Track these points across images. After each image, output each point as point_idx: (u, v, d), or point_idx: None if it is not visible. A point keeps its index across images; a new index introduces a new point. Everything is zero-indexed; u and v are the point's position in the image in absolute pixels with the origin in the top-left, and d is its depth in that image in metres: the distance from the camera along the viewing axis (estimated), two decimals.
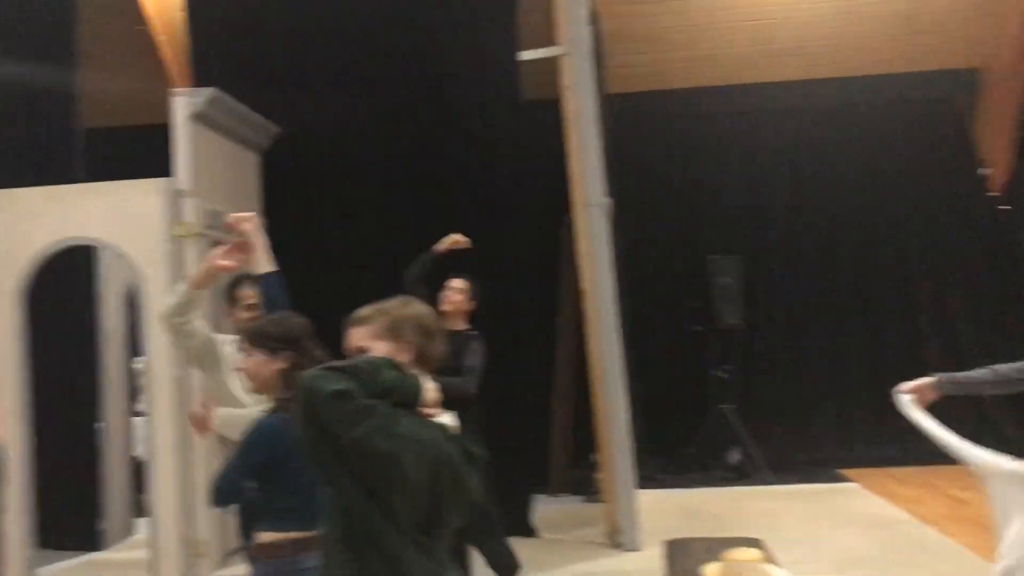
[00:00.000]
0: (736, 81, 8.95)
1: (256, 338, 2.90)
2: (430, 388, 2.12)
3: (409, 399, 2.02)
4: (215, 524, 5.48)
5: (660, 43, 8.68)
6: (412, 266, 4.76)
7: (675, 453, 8.72)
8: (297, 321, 2.96)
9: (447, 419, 2.17)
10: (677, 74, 8.88)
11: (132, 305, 5.87)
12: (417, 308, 2.26)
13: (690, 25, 8.77)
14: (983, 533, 5.90)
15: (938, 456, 8.80)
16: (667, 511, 7.06)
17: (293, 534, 2.82)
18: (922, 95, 8.94)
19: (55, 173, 6.26)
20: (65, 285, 6.28)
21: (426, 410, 2.09)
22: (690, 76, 8.91)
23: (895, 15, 8.55)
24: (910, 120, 8.98)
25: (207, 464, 5.52)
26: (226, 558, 4.10)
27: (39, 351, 5.62)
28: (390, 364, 2.02)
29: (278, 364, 2.83)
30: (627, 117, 8.36)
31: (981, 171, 8.89)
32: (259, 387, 2.91)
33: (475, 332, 4.65)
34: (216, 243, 5.67)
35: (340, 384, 1.86)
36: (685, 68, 8.85)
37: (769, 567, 3.56)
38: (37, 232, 5.67)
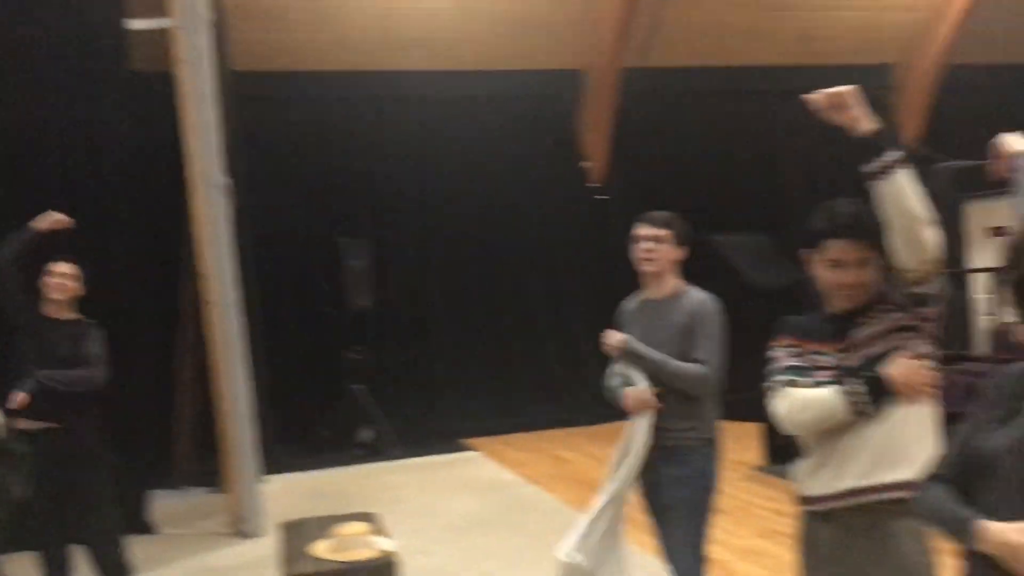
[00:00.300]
0: (364, 67, 9.11)
1: None
2: None
3: None
4: None
5: (286, 23, 8.60)
6: (2, 246, 4.31)
7: (308, 436, 8.75)
8: None
9: None
10: (305, 55, 8.86)
11: None
12: None
13: (317, 7, 8.77)
14: (579, 488, 6.63)
15: (547, 422, 9.64)
16: (296, 495, 7.09)
17: None
18: (533, 92, 9.69)
19: None
20: None
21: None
22: (319, 59, 8.92)
23: (509, 14, 9.18)
24: (523, 115, 9.69)
25: None
26: None
27: None
28: None
29: None
30: (253, 96, 8.19)
31: (582, 164, 9.83)
32: None
33: (92, 320, 4.35)
34: None
35: None
36: (313, 50, 8.85)
37: (375, 538, 3.73)
38: None
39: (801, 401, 2.36)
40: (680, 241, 3.42)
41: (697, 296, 3.40)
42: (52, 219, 4.44)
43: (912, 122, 10.26)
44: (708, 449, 3.41)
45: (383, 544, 3.69)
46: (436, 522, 6.18)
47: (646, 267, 3.43)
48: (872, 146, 2.25)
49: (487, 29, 9.20)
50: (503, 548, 5.56)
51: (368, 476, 7.85)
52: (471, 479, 7.58)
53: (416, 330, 9.45)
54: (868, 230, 2.30)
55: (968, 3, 9.76)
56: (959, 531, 1.76)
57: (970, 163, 5.47)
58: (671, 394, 3.35)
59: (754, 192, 9.45)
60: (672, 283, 3.44)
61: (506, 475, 7.65)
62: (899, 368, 2.28)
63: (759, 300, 6.98)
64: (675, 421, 3.36)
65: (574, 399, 9.46)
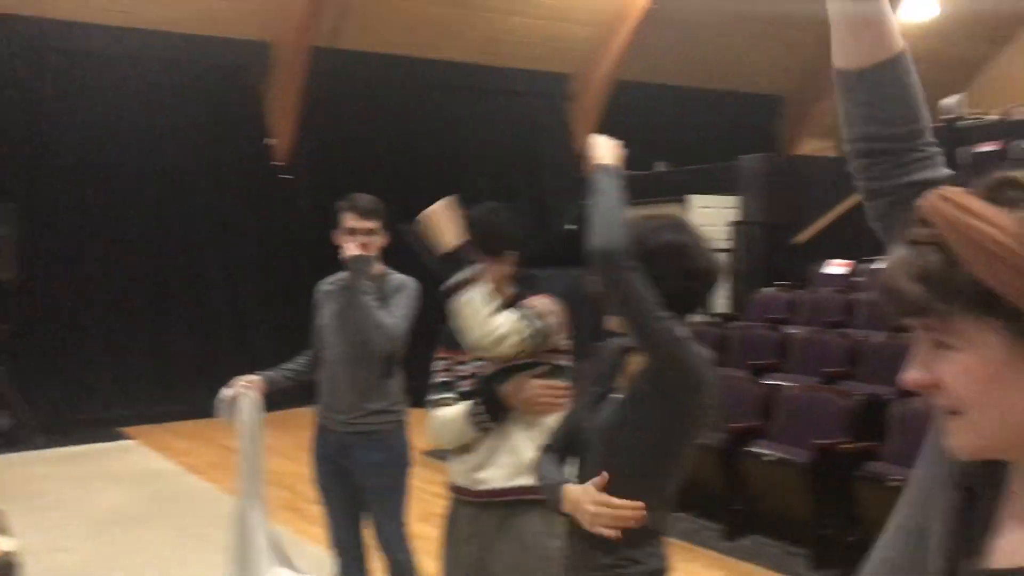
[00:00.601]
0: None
1: None
2: None
3: None
4: None
5: None
6: None
7: None
8: None
9: None
10: None
11: None
12: None
13: None
14: None
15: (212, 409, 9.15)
16: None
17: None
18: (216, 61, 9.16)
19: None
20: None
21: None
22: None
23: None
24: (204, 83, 9.13)
25: None
26: None
27: None
28: None
29: None
30: None
31: (267, 141, 9.47)
32: None
33: None
34: None
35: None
36: None
37: None
38: None
39: (439, 422, 2.51)
40: (386, 228, 3.37)
41: (398, 277, 3.41)
42: None
43: (583, 133, 10.99)
44: (402, 431, 3.44)
45: (2, 544, 3.28)
46: (79, 516, 5.66)
47: (355, 254, 3.28)
48: (453, 262, 2.36)
49: None
50: (153, 541, 5.21)
51: (3, 467, 7.02)
52: (124, 469, 7.03)
53: (70, 306, 8.56)
54: (487, 238, 2.44)
55: (636, 22, 10.58)
56: (553, 495, 1.94)
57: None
58: (366, 376, 3.30)
59: (437, 185, 9.57)
60: (377, 267, 3.38)
61: (164, 464, 7.19)
62: (515, 386, 2.42)
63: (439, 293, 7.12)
64: (370, 405, 3.32)
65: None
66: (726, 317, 8.21)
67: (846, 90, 1.12)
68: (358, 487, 3.39)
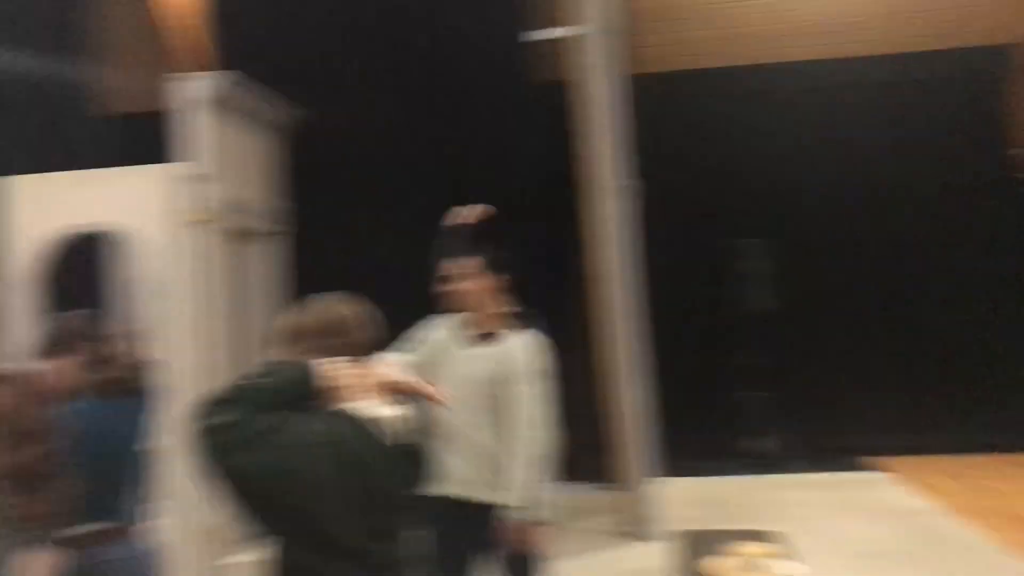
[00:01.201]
0: (763, 60, 8.76)
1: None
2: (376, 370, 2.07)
3: (297, 396, 1.93)
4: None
5: (679, 23, 8.53)
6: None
7: (700, 440, 8.59)
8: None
9: (391, 408, 2.05)
10: (702, 53, 8.71)
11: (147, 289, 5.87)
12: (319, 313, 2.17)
13: (709, 2, 8.61)
14: (1011, 524, 5.76)
15: (969, 444, 8.59)
16: (686, 501, 6.95)
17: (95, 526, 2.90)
18: (947, 73, 8.68)
19: (72, 159, 6.27)
20: (82, 268, 6.29)
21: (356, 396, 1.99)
22: (716, 55, 8.73)
23: None
24: (940, 98, 8.72)
25: None
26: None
27: None
28: (274, 369, 1.95)
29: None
30: (648, 98, 8.22)
31: (1013, 151, 8.61)
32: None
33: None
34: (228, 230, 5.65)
35: (215, 418, 1.82)
36: (711, 46, 8.68)
37: (781, 561, 3.46)
38: (56, 217, 5.70)
39: None
40: None
41: None
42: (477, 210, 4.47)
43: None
44: None
45: (792, 570, 3.42)
46: (831, 546, 5.70)
47: None
48: None
49: (896, 10, 8.42)
50: None
51: (762, 488, 7.50)
52: (875, 501, 6.92)
53: (820, 336, 8.86)
54: None
55: None
56: None
57: None
58: None
59: None
60: None
61: (918, 501, 6.89)
62: None
63: None
64: None
65: (1010, 419, 8.22)
66: None
67: None
68: None
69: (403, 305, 6.36)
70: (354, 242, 6.81)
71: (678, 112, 8.88)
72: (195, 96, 5.66)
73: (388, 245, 6.70)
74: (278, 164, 6.83)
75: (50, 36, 6.63)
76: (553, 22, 6.13)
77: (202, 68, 7.43)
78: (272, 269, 6.72)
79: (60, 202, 5.70)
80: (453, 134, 6.69)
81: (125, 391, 3.08)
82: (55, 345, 3.02)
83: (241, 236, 6.31)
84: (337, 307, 2.14)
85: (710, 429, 8.57)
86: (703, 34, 8.64)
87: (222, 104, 5.79)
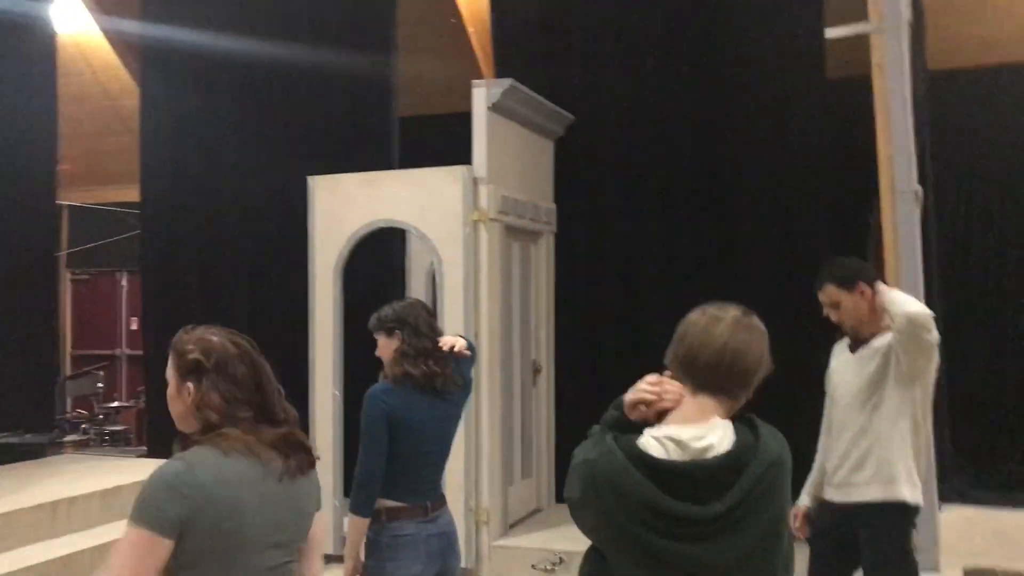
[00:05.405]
0: None
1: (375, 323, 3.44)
2: None
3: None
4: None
5: (980, 15, 7.77)
6: None
7: (993, 467, 7.86)
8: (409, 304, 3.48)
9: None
10: (1008, 47, 7.91)
11: (434, 284, 6.25)
12: None
13: None
14: None
15: None
16: (974, 531, 6.39)
17: (388, 502, 3.25)
18: None
19: (373, 159, 6.77)
20: (377, 263, 6.80)
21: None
22: (1009, 50, 7.90)
23: None
24: None
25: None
26: None
27: (354, 324, 6.16)
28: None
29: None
30: (945, 94, 7.61)
31: None
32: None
33: None
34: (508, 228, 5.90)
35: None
36: (1002, 42, 7.86)
37: None
38: (353, 214, 6.23)
39: None
40: None
41: None
42: None
43: None
44: None
45: None
46: None
47: None
48: None
49: None
50: None
51: None
52: None
53: None
54: None
55: None
56: None
57: None
58: None
59: None
60: None
61: None
62: None
63: None
64: None
65: None
66: None
67: None
68: None
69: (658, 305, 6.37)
70: (622, 244, 6.89)
71: (972, 111, 8.14)
72: (475, 101, 5.97)
73: (653, 247, 6.75)
74: (550, 167, 7.04)
75: (360, 38, 7.10)
76: (852, 17, 5.86)
77: (490, 73, 7.79)
78: (547, 267, 6.95)
79: (352, 200, 6.19)
80: (737, 138, 6.58)
81: (443, 384, 3.37)
82: (387, 325, 3.40)
83: (521, 235, 6.57)
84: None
85: (1003, 454, 7.82)
86: (995, 29, 7.84)
87: (499, 109, 6.08)
